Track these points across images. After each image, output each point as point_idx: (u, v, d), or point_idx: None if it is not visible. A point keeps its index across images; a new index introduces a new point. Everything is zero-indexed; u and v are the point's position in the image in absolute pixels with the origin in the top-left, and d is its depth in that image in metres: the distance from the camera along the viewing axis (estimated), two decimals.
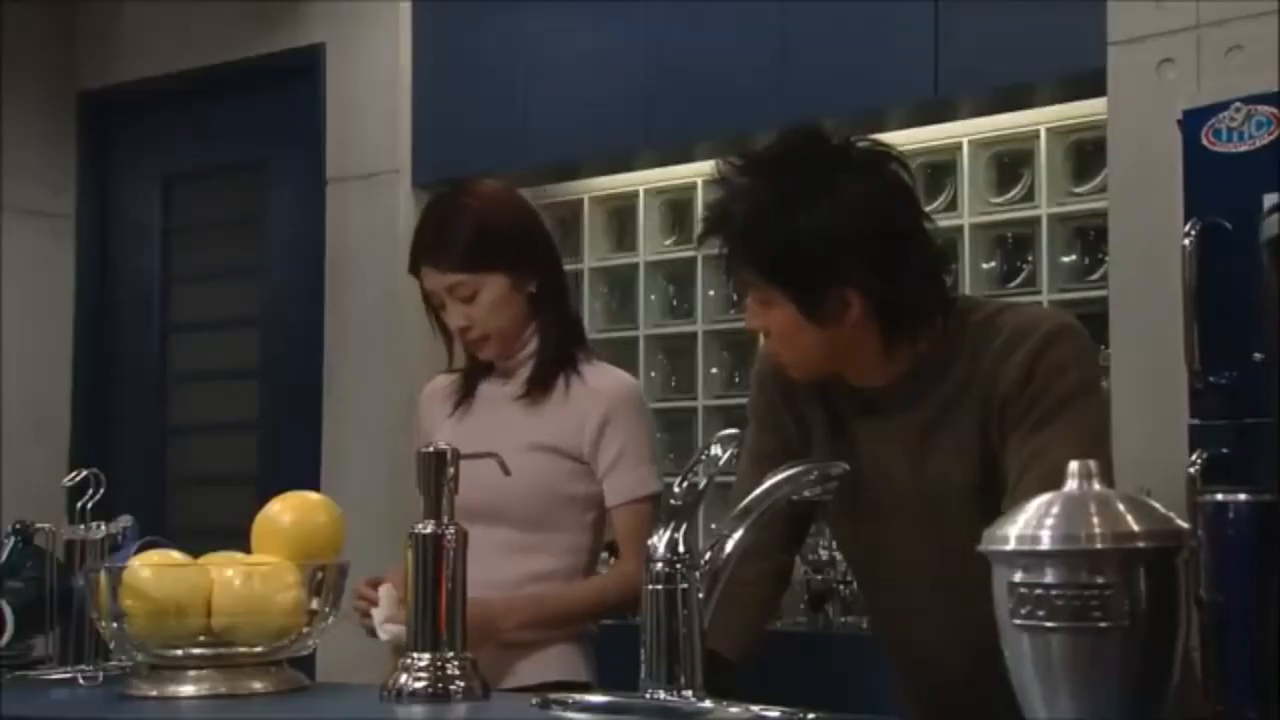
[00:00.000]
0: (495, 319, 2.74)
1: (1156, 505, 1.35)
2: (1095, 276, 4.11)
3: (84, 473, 2.22)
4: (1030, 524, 1.35)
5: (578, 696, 1.98)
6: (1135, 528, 1.32)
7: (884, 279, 2.02)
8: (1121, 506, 1.34)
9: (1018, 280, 4.29)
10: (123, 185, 5.86)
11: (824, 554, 4.08)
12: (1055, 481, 1.38)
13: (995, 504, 1.92)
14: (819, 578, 4.13)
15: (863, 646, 3.82)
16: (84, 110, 5.84)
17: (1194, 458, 3.13)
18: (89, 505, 2.22)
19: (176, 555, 2.11)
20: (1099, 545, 1.31)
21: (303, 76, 5.25)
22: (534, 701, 1.94)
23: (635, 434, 2.72)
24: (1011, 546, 1.35)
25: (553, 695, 1.96)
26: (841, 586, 4.09)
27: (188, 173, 5.75)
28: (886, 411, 2.13)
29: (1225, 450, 3.12)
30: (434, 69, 5.01)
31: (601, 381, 2.75)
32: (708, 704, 1.80)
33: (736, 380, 4.75)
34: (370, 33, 5.11)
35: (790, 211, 2.00)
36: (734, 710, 1.79)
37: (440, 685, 1.95)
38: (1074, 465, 1.37)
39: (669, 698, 1.79)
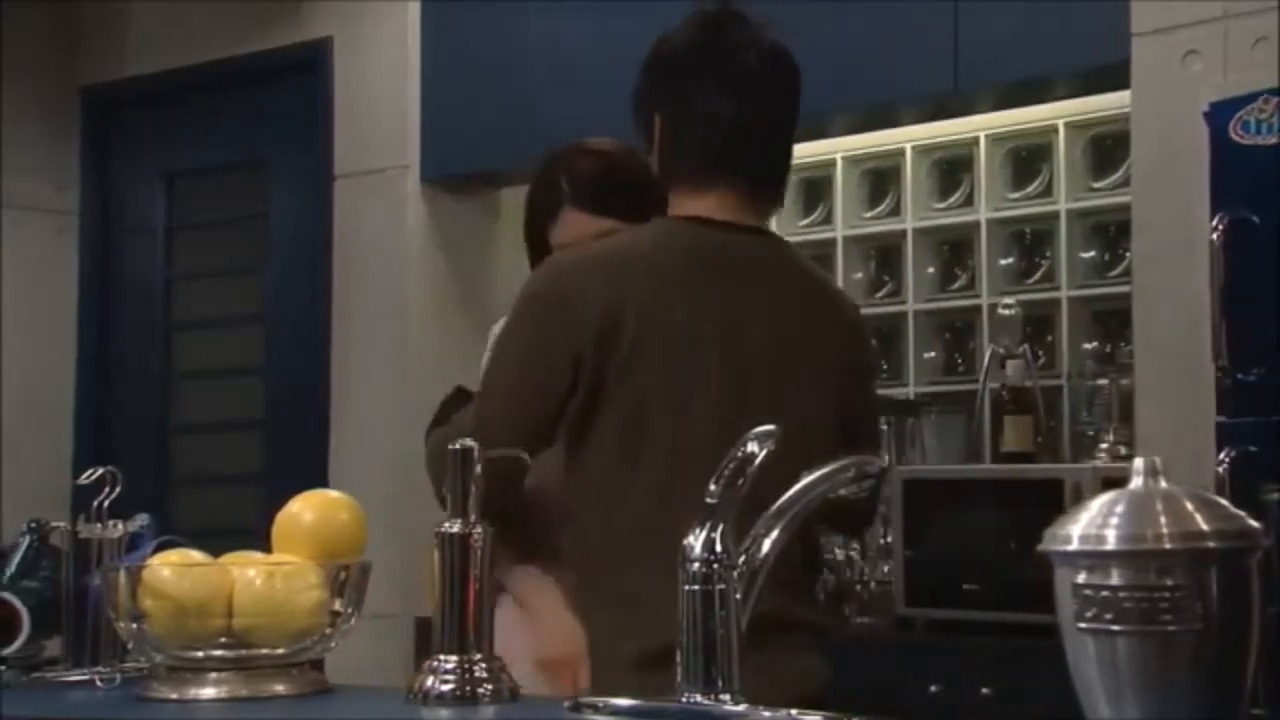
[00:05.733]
0: None
1: (1224, 503, 1.31)
2: (1115, 273, 4.07)
3: (100, 470, 2.17)
4: (1094, 523, 1.29)
5: (609, 700, 1.93)
6: (1205, 527, 1.27)
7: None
8: (1189, 505, 1.29)
9: (1036, 276, 4.25)
10: (126, 182, 5.81)
11: (840, 554, 4.03)
12: None
13: None
14: (835, 578, 4.08)
15: (881, 647, 3.79)
16: (87, 106, 5.79)
17: (1222, 456, 3.08)
18: (105, 504, 2.17)
19: (196, 555, 2.06)
20: (1167, 545, 1.26)
21: (309, 72, 5.20)
22: (565, 704, 1.89)
23: None
24: (1075, 547, 1.30)
25: (583, 699, 1.91)
26: (859, 586, 4.04)
27: (192, 169, 5.70)
28: None
29: (1253, 449, 3.07)
30: (443, 63, 4.96)
31: None
32: (744, 708, 1.75)
33: None
34: (378, 27, 5.06)
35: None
36: (767, 714, 1.74)
37: (468, 688, 1.90)
38: (1138, 462, 1.32)
39: (705, 701, 1.74)
